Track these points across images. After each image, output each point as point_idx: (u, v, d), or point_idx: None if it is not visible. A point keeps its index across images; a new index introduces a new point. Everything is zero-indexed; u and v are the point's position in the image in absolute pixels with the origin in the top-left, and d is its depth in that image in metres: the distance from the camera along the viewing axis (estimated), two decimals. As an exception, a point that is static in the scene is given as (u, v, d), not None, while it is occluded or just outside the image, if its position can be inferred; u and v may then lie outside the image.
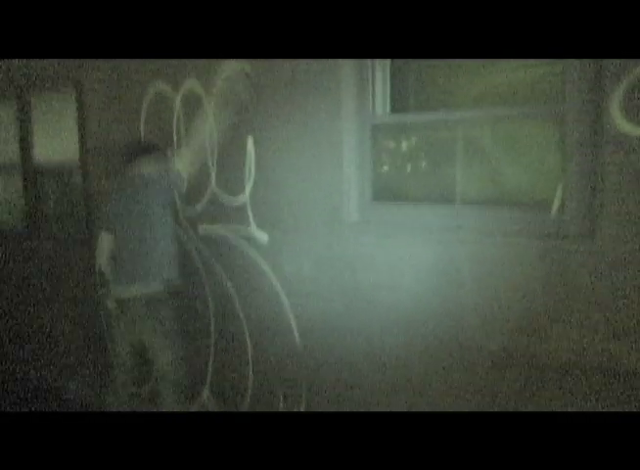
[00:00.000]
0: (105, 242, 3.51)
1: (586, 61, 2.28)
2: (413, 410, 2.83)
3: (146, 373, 3.74)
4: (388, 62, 2.95)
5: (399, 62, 2.93)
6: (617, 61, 2.15)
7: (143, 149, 3.55)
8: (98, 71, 4.18)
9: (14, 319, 5.37)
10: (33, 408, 4.62)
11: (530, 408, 2.49)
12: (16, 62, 4.82)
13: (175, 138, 3.74)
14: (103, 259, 3.52)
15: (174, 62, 3.65)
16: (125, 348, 3.48)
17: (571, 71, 2.33)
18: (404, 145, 2.96)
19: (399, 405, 2.89)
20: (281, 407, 3.36)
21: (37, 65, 4.64)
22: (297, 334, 3.24)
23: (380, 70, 2.95)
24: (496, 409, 2.58)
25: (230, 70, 3.35)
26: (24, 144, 4.93)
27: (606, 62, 2.19)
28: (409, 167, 2.95)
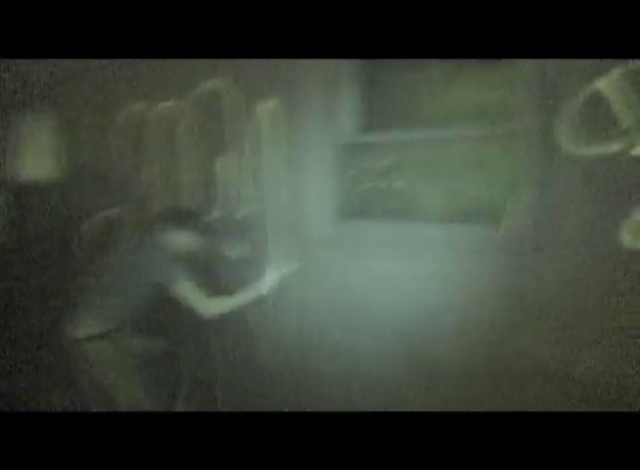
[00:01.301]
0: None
1: (535, 82, 2.38)
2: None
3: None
4: (357, 83, 3.04)
5: (367, 83, 3.03)
6: (565, 82, 2.29)
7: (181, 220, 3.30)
8: (78, 91, 4.26)
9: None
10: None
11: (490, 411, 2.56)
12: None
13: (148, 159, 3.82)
14: None
15: (151, 81, 3.74)
16: None
17: (521, 93, 2.44)
18: (371, 164, 3.04)
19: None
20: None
21: (18, 83, 4.72)
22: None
23: (349, 90, 3.04)
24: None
25: (202, 90, 3.45)
26: (4, 163, 5.00)
27: (553, 82, 2.30)
28: (375, 186, 3.03)
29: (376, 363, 2.92)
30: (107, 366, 3.26)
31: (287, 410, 3.26)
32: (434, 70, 2.81)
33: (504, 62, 2.52)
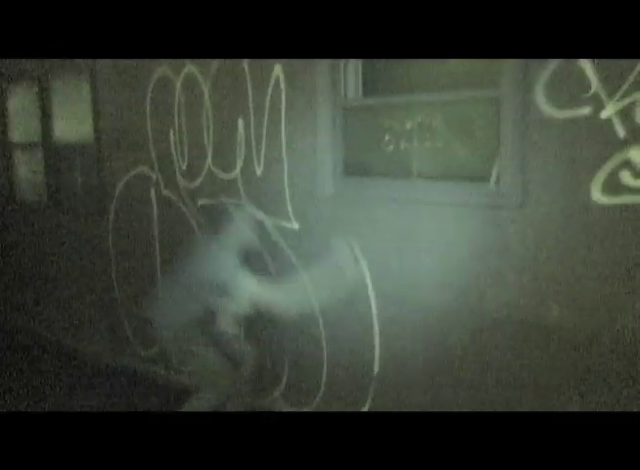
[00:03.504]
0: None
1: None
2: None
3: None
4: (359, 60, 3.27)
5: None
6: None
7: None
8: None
9: (34, 284, 5.85)
10: (50, 370, 5.11)
11: (471, 355, 2.87)
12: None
13: (176, 121, 4.12)
14: None
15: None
16: None
17: (505, 63, 2.64)
18: (372, 125, 3.28)
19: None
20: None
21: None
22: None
23: (351, 60, 3.28)
24: (446, 354, 2.96)
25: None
26: (45, 124, 5.36)
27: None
28: (374, 146, 3.28)
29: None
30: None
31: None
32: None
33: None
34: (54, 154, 5.36)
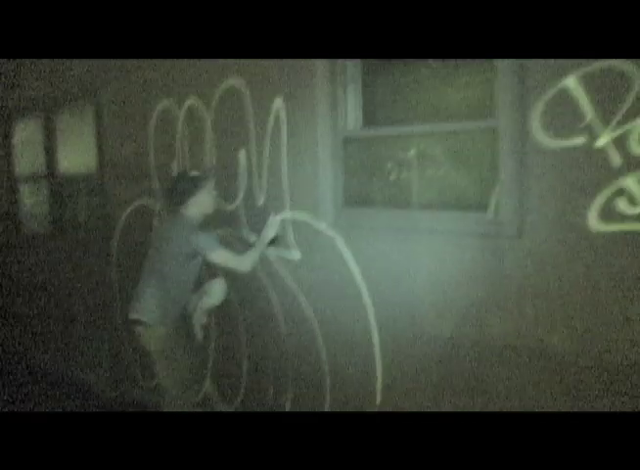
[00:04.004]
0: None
1: (513, 83, 2.64)
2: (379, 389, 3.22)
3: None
4: (359, 81, 3.33)
5: (369, 81, 3.31)
6: (539, 80, 2.53)
7: (199, 187, 3.53)
8: (113, 90, 4.65)
9: (38, 314, 5.87)
10: (53, 399, 5.09)
11: (474, 384, 2.86)
12: (40, 81, 5.33)
13: (179, 153, 4.18)
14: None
15: (178, 80, 4.10)
16: None
17: (501, 92, 2.69)
18: (371, 155, 3.33)
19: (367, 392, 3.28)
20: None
21: (60, 84, 5.13)
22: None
23: (352, 89, 3.34)
24: (448, 384, 2.96)
25: (226, 86, 3.79)
26: (50, 156, 5.43)
27: (528, 82, 2.56)
28: (374, 175, 3.32)
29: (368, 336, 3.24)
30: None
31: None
32: (425, 72, 3.09)
33: (485, 65, 2.79)
34: (59, 186, 5.43)
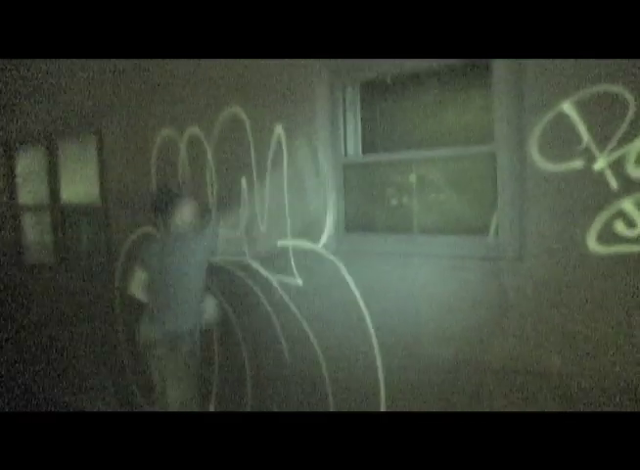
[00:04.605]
0: (138, 277, 3.82)
1: (510, 108, 2.68)
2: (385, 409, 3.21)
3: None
4: (358, 108, 3.39)
5: (368, 107, 3.36)
6: (536, 105, 2.57)
7: (178, 198, 3.69)
8: (115, 120, 4.70)
9: (42, 343, 5.86)
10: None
11: (475, 407, 2.86)
12: (42, 111, 5.38)
13: (180, 179, 4.22)
14: (137, 291, 3.84)
15: (179, 109, 4.15)
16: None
17: (499, 117, 2.73)
18: (371, 181, 3.36)
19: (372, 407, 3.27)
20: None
21: (62, 114, 5.19)
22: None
23: (351, 115, 3.39)
24: (450, 407, 2.95)
25: (226, 114, 3.84)
26: (52, 186, 5.47)
27: (525, 107, 2.61)
28: (375, 201, 3.35)
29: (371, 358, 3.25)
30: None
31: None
32: (424, 98, 3.14)
33: (483, 91, 2.84)
34: (61, 215, 5.46)
